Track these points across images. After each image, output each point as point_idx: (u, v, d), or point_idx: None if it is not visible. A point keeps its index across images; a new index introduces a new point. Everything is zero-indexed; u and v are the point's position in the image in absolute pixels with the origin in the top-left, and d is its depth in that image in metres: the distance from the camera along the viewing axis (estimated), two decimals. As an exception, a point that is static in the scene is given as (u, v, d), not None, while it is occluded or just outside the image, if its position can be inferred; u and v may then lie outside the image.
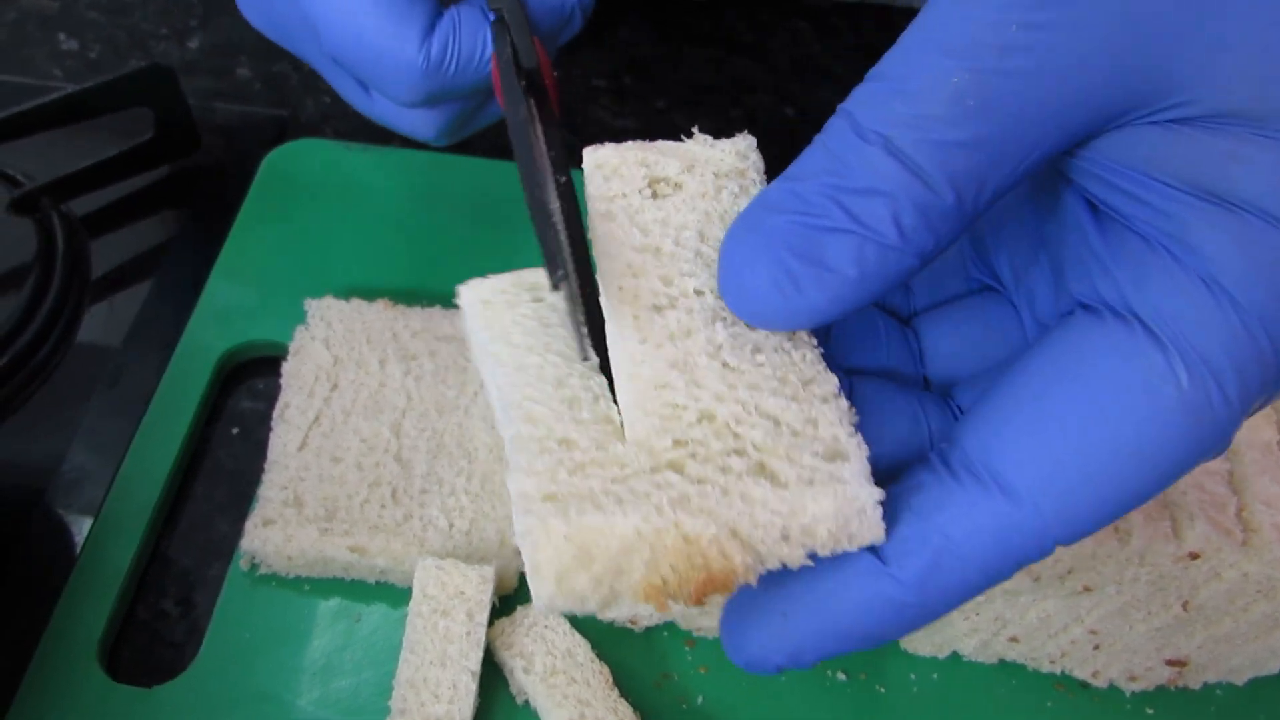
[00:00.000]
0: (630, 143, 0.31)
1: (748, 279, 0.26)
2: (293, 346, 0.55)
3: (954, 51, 0.24)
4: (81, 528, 0.51)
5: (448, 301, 0.57)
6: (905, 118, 0.24)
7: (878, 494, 0.25)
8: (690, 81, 0.75)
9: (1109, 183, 0.26)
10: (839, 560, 0.26)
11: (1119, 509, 0.25)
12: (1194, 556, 0.41)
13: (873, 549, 0.26)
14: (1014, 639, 0.47)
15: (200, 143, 0.66)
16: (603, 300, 0.29)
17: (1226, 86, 0.23)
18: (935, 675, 0.49)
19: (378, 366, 0.54)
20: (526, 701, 0.47)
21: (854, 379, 0.31)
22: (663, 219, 0.30)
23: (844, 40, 0.78)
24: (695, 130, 0.32)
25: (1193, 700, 0.49)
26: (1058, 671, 0.49)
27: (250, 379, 0.58)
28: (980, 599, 0.43)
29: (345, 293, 0.57)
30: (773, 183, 0.27)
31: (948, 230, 0.25)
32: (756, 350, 0.28)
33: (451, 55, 0.44)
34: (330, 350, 0.55)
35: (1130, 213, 0.25)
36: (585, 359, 0.27)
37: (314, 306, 0.56)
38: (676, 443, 0.27)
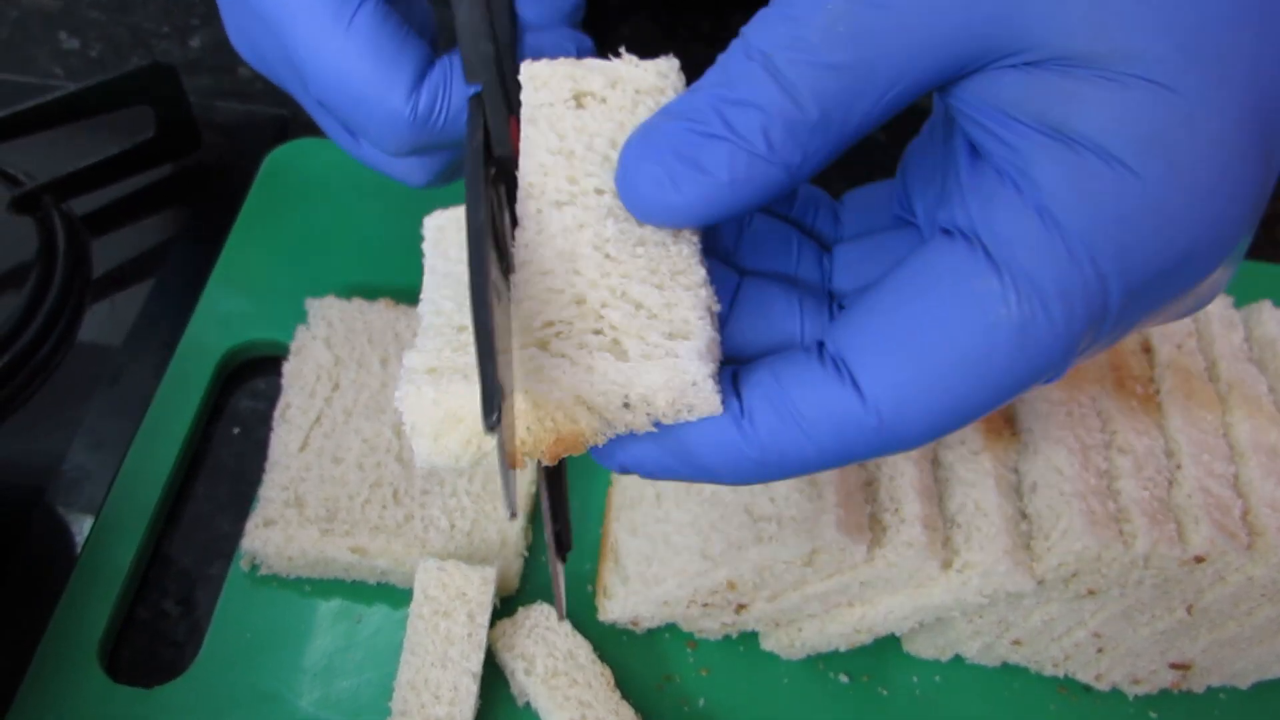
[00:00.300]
0: (562, 59, 0.34)
1: (636, 174, 0.29)
2: (294, 346, 0.55)
3: None
4: (82, 527, 0.51)
5: (449, 301, 0.57)
6: (785, 39, 0.27)
7: (708, 369, 0.28)
8: (693, 78, 0.74)
9: (977, 122, 0.28)
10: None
11: (951, 419, 0.28)
12: (1199, 560, 0.41)
13: (738, 399, 0.29)
14: (1017, 642, 0.47)
15: (201, 142, 0.66)
16: (519, 196, 0.32)
17: (1069, 31, 0.26)
18: (938, 677, 0.49)
19: (379, 366, 0.54)
20: (528, 703, 0.47)
21: (746, 277, 0.33)
22: (580, 126, 0.33)
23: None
24: (623, 50, 0.34)
25: (1196, 704, 0.49)
26: (1061, 675, 0.49)
27: (251, 379, 0.58)
28: (983, 602, 0.43)
29: (347, 292, 0.57)
30: (681, 93, 0.30)
31: (815, 148, 0.27)
32: (639, 244, 0.30)
33: (441, 107, 0.42)
34: (332, 350, 0.55)
35: (991, 149, 0.28)
36: (512, 515, 0.27)
37: (315, 306, 0.56)
38: (546, 323, 0.30)
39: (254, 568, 0.50)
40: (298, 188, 0.63)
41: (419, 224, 0.62)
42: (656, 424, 0.29)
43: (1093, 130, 0.26)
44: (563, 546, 0.33)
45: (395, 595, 0.50)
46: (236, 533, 0.51)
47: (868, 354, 0.28)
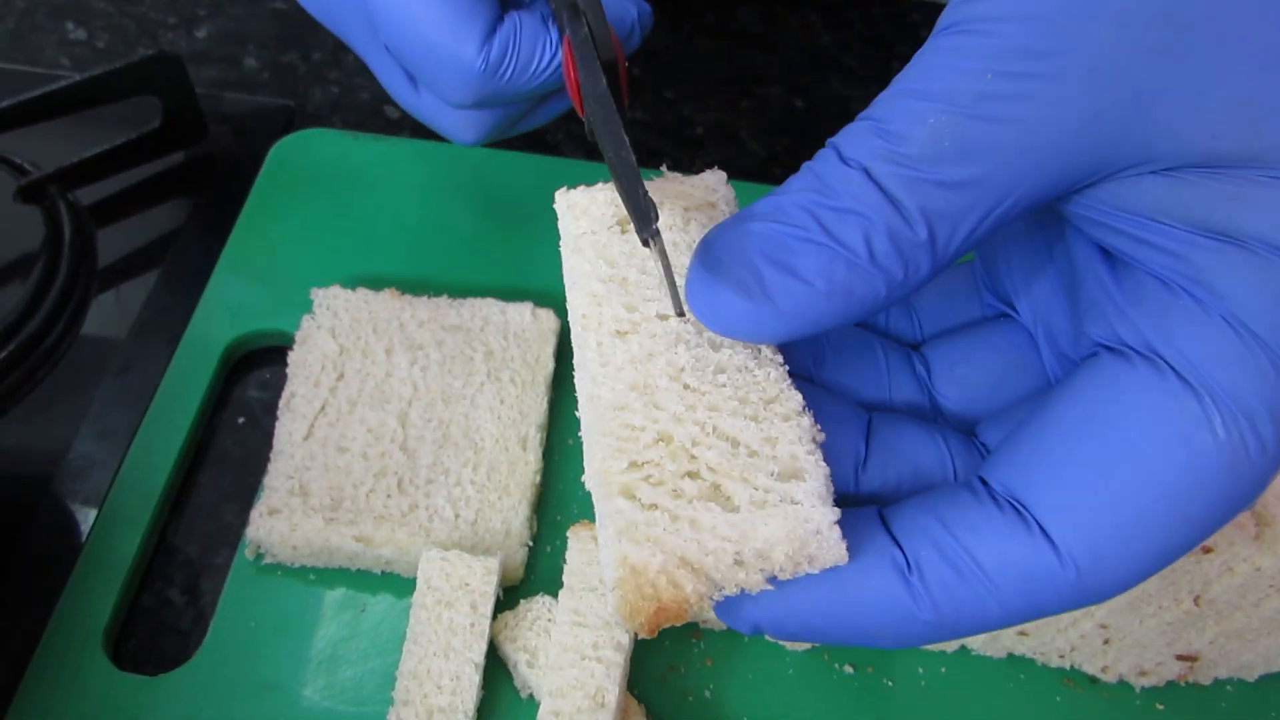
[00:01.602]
0: (600, 184, 0.31)
1: (714, 281, 0.26)
2: (299, 336, 0.55)
3: (931, 95, 0.24)
4: (87, 516, 0.51)
5: (454, 291, 0.58)
6: (884, 152, 0.25)
7: (833, 514, 0.25)
8: (700, 73, 0.74)
9: (1116, 229, 0.26)
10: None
11: (1155, 564, 0.24)
12: (1206, 550, 0.41)
13: (900, 549, 0.25)
14: (1023, 633, 0.46)
15: (208, 132, 0.66)
16: (572, 330, 0.29)
17: (1215, 134, 0.24)
18: (943, 669, 0.49)
19: (384, 356, 0.54)
20: (530, 695, 0.46)
21: (873, 414, 0.30)
22: (629, 251, 0.30)
23: (855, 32, 0.77)
24: (665, 167, 0.32)
25: (1203, 696, 0.49)
26: (1067, 666, 0.48)
27: (257, 368, 0.58)
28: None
29: (352, 282, 0.57)
30: (752, 204, 0.27)
31: (918, 264, 0.25)
32: (719, 371, 0.27)
33: (510, 60, 0.42)
34: (336, 340, 0.55)
35: (1143, 257, 0.25)
36: (680, 314, 0.27)
37: (320, 296, 0.56)
38: (632, 465, 0.26)
39: (259, 557, 0.50)
40: (304, 178, 0.63)
41: (426, 214, 0.62)
42: (771, 580, 0.25)
43: (1267, 231, 0.24)
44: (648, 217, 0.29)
45: (399, 585, 0.50)
46: (241, 522, 0.51)
47: (1052, 496, 0.24)
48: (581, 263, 0.30)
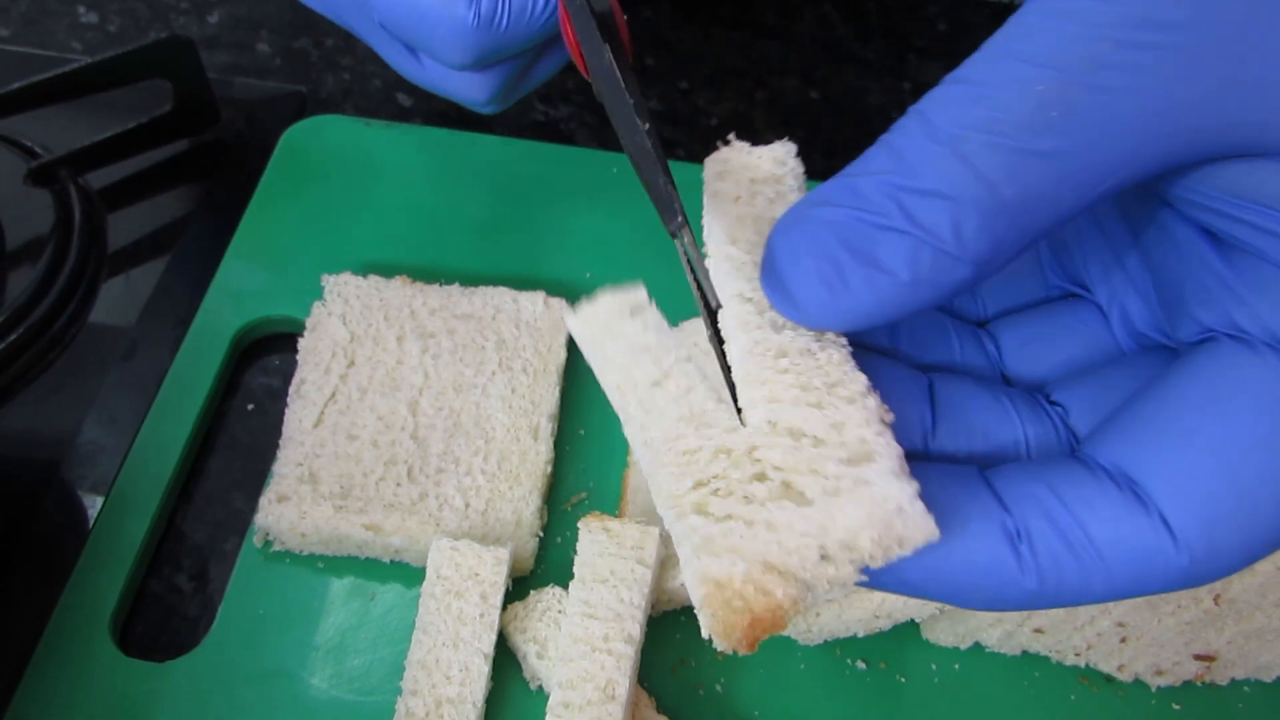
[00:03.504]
0: (601, 294, 0.28)
1: (793, 271, 0.25)
2: (309, 322, 0.54)
3: (1040, 60, 0.23)
4: (95, 501, 0.51)
5: (466, 279, 0.57)
6: (984, 121, 0.23)
7: (912, 487, 0.24)
8: (715, 63, 0.74)
9: (1229, 215, 0.25)
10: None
11: (1264, 552, 0.24)
12: (1228, 548, 0.40)
13: (1010, 514, 0.24)
14: (1039, 630, 0.46)
15: (219, 117, 0.65)
16: (611, 400, 0.28)
17: None
18: (957, 666, 0.48)
19: (395, 344, 0.54)
20: (540, 687, 0.46)
21: (934, 376, 0.29)
22: (647, 344, 0.28)
23: (871, 25, 0.77)
24: (732, 137, 0.31)
25: (1220, 697, 0.48)
26: (1082, 664, 0.48)
27: (267, 355, 0.57)
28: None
29: (363, 269, 0.57)
30: (828, 180, 0.26)
31: (1009, 243, 0.24)
32: (780, 355, 0.26)
33: (503, 10, 0.42)
34: (347, 327, 0.54)
35: (1261, 245, 0.25)
36: (717, 306, 0.26)
37: (331, 282, 0.56)
38: (697, 484, 0.25)
39: (267, 544, 0.49)
40: (315, 164, 0.63)
41: (438, 201, 0.62)
42: (865, 570, 0.24)
43: None
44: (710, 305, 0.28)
45: (409, 574, 0.49)
46: (250, 509, 0.51)
47: (1172, 479, 0.24)
48: (606, 369, 0.28)
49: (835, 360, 0.26)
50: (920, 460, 0.27)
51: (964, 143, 0.23)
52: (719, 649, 0.24)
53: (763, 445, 0.25)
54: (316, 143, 0.63)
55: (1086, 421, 0.28)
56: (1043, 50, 0.23)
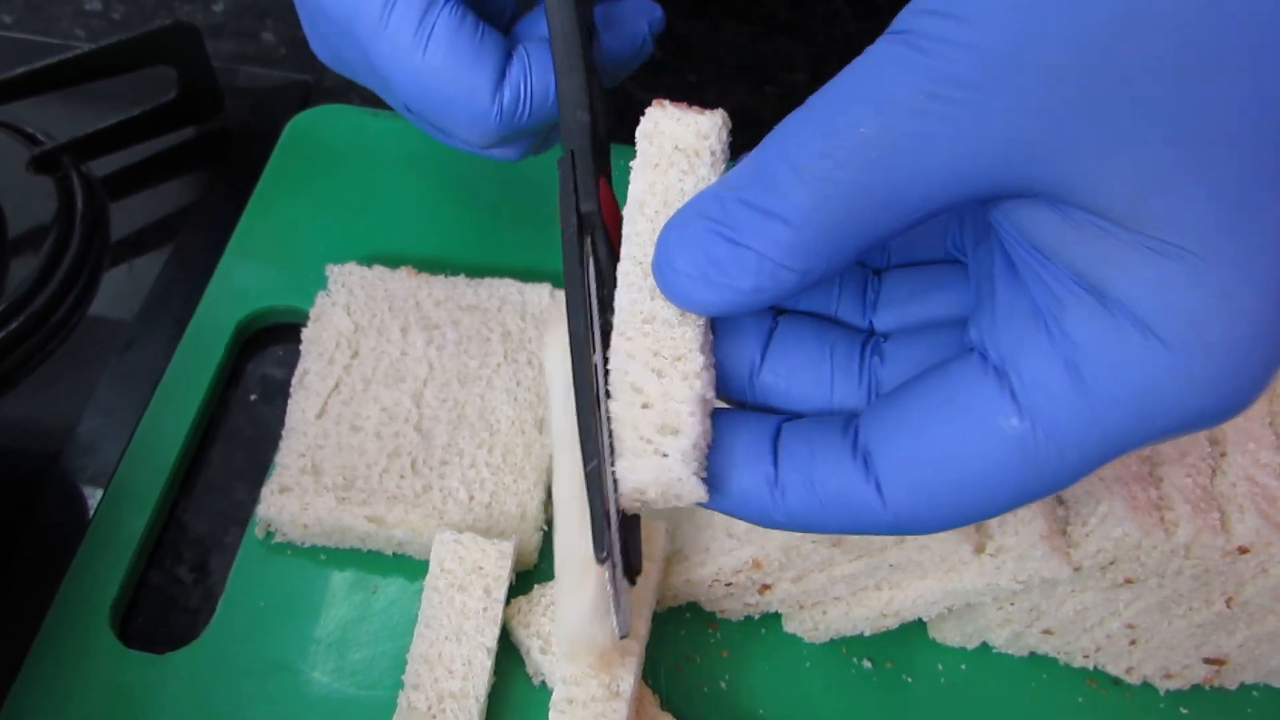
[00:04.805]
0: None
1: (668, 268, 0.30)
2: (313, 312, 0.54)
3: (870, 101, 0.26)
4: (95, 492, 0.50)
5: (471, 270, 0.57)
6: (821, 150, 0.27)
7: (691, 468, 0.29)
8: (724, 57, 0.73)
9: (1017, 250, 0.29)
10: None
11: (955, 524, 0.30)
12: (1243, 551, 0.40)
13: (775, 466, 0.31)
14: (1048, 631, 0.45)
15: (224, 106, 0.65)
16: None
17: (1111, 190, 0.25)
18: (963, 666, 0.48)
19: (399, 335, 0.53)
20: (543, 682, 0.46)
21: (782, 318, 0.33)
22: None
23: (882, 20, 0.76)
24: (666, 102, 0.33)
25: (1229, 701, 0.48)
26: (1090, 667, 0.47)
27: (270, 345, 0.57)
28: (1017, 588, 0.42)
29: (368, 259, 0.56)
30: (710, 185, 0.31)
31: (838, 258, 0.28)
32: (648, 320, 0.30)
33: (525, 100, 0.44)
34: (351, 317, 0.54)
35: (1028, 281, 0.28)
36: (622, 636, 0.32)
37: (336, 272, 0.55)
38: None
39: (269, 535, 0.49)
40: (320, 154, 0.62)
41: (443, 192, 0.61)
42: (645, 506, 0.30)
43: (1130, 298, 0.26)
44: (631, 570, 0.32)
45: (412, 567, 0.49)
46: (252, 500, 0.51)
47: (893, 462, 0.29)
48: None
49: (687, 338, 0.30)
50: (737, 404, 0.33)
51: (804, 171, 0.27)
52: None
53: (614, 395, 0.30)
54: (322, 132, 0.63)
55: (896, 377, 0.32)
56: (874, 93, 0.26)
